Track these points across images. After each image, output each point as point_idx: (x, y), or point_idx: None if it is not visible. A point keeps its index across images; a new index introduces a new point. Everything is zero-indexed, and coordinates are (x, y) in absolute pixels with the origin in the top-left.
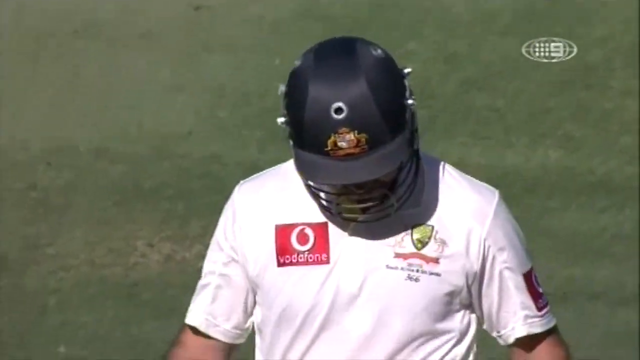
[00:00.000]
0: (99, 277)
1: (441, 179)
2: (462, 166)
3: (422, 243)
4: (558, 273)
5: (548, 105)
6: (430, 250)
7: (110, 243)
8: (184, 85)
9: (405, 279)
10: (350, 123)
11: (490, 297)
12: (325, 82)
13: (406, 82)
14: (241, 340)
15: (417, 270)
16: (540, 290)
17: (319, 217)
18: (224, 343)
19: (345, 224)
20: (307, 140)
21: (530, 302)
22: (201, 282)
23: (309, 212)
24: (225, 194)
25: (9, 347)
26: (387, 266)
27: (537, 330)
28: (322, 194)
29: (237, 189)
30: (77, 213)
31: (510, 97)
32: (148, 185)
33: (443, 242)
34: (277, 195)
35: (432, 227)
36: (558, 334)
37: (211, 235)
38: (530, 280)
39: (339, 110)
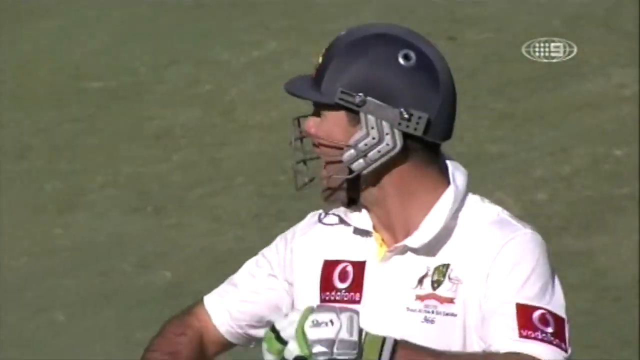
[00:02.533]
0: None
1: (475, 218)
2: None
3: (438, 283)
4: None
5: None
6: (444, 289)
7: None
8: None
9: (422, 321)
10: (334, 43)
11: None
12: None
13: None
14: (234, 341)
15: (432, 312)
16: (549, 329)
17: (360, 255)
18: (223, 339)
19: (378, 262)
20: None
21: (513, 324)
22: (237, 277)
23: (353, 249)
24: None
25: None
26: (408, 309)
27: (515, 348)
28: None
29: (309, 215)
30: None
31: None
32: None
33: (458, 281)
34: (334, 230)
35: (448, 265)
36: None
37: None
38: (525, 313)
39: (342, 33)
